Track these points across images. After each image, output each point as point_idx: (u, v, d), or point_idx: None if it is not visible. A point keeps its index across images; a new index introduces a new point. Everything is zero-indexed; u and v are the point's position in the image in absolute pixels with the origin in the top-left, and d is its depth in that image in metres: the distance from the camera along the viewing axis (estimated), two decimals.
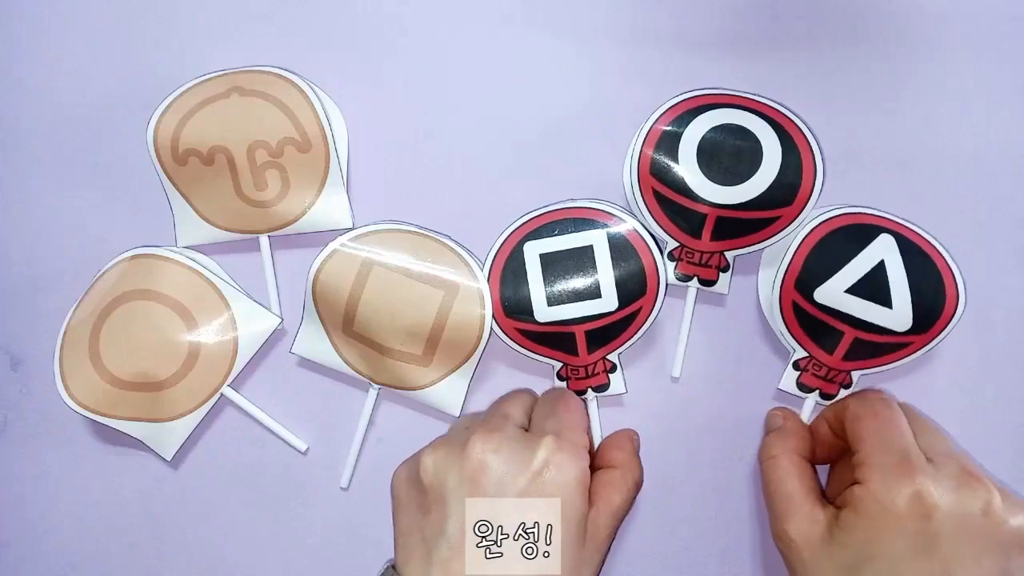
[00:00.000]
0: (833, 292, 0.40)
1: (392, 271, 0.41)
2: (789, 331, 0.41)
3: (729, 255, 0.42)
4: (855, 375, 0.41)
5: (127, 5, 0.45)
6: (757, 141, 0.40)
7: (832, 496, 0.38)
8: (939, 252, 0.40)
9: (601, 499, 0.38)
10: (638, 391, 0.43)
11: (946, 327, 0.40)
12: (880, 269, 0.39)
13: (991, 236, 0.43)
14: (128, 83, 0.44)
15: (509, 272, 0.41)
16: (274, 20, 0.44)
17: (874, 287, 0.39)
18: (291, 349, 0.43)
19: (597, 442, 0.43)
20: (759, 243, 0.41)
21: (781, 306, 0.41)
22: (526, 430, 0.39)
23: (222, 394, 0.43)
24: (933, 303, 0.39)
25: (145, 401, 0.43)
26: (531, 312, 0.41)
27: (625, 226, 0.41)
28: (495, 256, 0.42)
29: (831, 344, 0.41)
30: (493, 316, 0.41)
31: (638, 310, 0.41)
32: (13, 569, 0.46)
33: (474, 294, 0.41)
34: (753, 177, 0.40)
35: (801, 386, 0.42)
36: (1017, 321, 0.43)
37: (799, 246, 0.40)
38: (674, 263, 0.42)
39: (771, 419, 0.42)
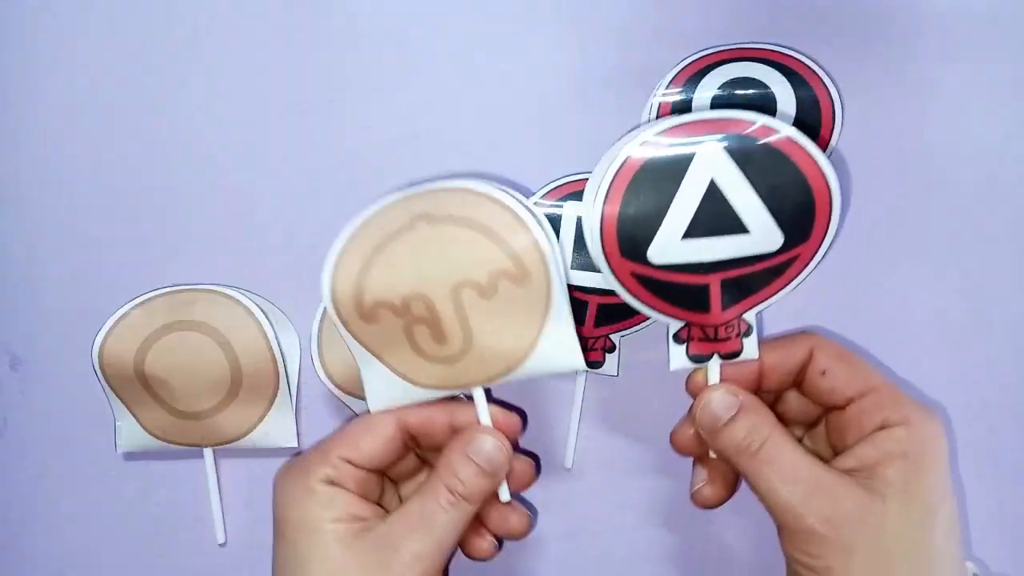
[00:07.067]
0: (668, 246, 0.33)
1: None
2: (648, 305, 0.34)
3: None
4: (749, 317, 0.34)
5: (131, 4, 0.45)
6: (766, 87, 0.40)
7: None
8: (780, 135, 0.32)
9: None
10: None
11: (829, 221, 0.33)
12: (713, 193, 0.32)
13: (991, 236, 0.43)
14: (130, 83, 0.44)
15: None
16: (274, 20, 0.44)
17: (714, 218, 0.32)
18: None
19: None
20: None
21: (622, 282, 0.34)
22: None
23: None
24: (799, 200, 0.32)
25: None
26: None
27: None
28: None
29: (702, 300, 0.33)
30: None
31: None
32: (13, 569, 0.46)
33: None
34: None
35: (695, 358, 0.35)
36: (1017, 321, 0.43)
37: (603, 212, 0.32)
38: None
39: (717, 403, 0.34)
